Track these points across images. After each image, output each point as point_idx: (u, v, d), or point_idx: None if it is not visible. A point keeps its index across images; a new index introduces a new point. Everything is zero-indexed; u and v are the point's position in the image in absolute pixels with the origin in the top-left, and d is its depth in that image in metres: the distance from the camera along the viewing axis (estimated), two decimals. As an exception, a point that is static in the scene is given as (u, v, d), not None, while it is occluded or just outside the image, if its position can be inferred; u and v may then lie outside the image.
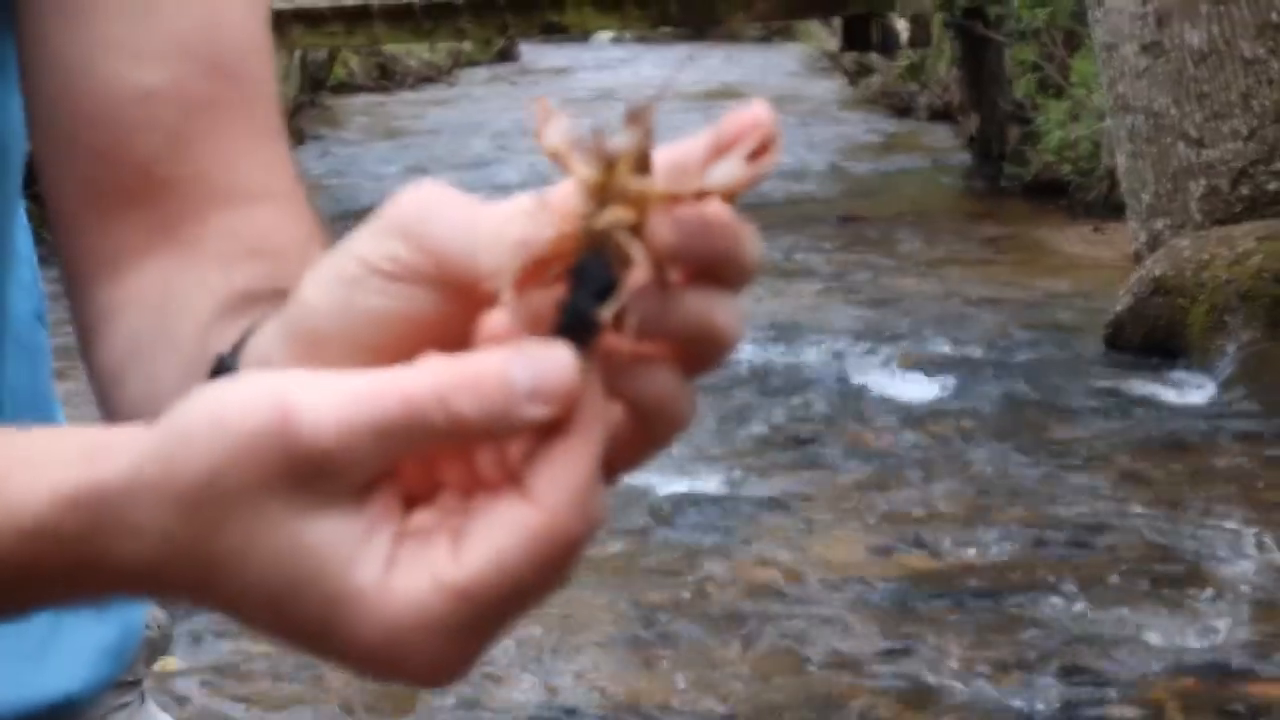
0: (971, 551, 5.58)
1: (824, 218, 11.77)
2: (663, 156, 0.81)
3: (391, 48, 20.13)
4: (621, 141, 0.78)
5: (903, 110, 17.31)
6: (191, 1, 1.17)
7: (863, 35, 18.14)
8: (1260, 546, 5.49)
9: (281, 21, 15.00)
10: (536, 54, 24.36)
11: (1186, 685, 4.57)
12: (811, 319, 8.75)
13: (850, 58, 19.33)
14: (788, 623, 5.06)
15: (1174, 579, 5.26)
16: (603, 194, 0.78)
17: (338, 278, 0.84)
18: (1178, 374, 7.43)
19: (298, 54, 17.08)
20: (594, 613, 5.12)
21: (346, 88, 20.50)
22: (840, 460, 6.57)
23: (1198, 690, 4.55)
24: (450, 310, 0.82)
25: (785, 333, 8.33)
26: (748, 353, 7.86)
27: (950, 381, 7.58)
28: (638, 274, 0.78)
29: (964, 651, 4.80)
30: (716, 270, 0.81)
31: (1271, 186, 7.79)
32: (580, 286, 0.78)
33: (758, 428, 6.92)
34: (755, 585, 5.34)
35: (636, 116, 0.79)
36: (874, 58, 18.90)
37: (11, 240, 1.32)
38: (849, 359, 7.92)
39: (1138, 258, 8.13)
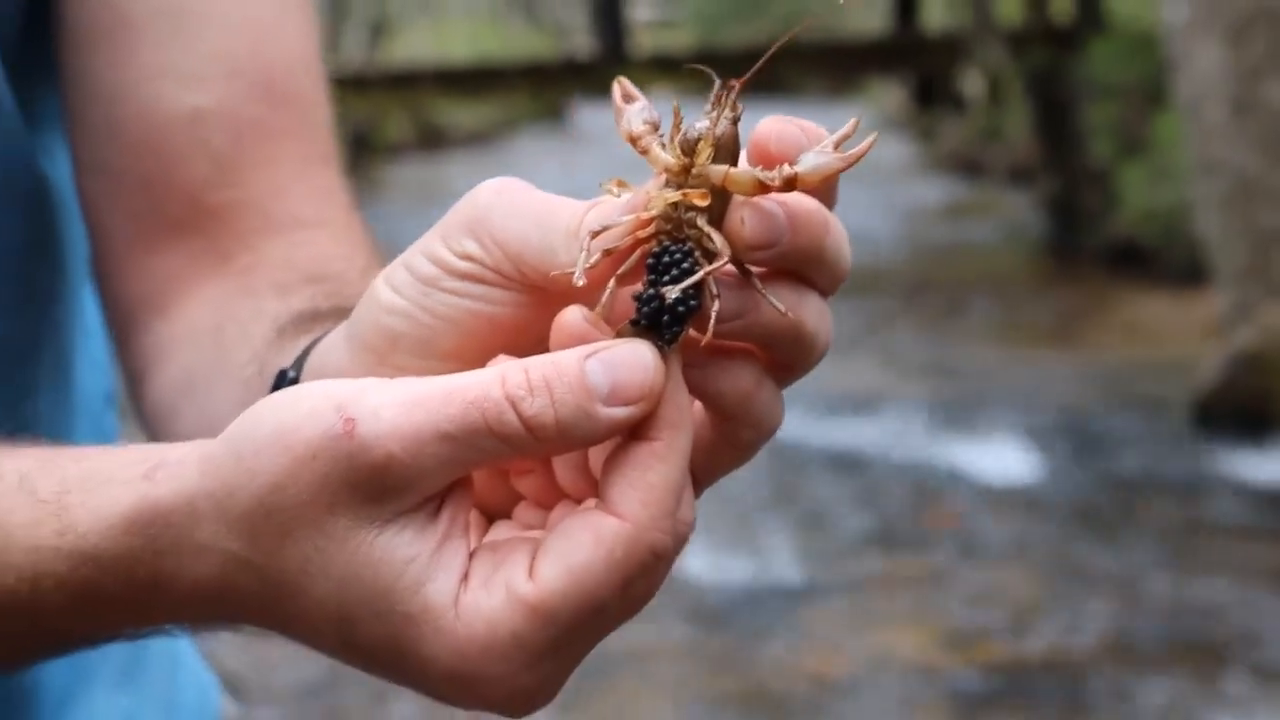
0: (1051, 640, 5.56)
1: (894, 286, 11.78)
2: (751, 143, 0.79)
3: (440, 110, 20.30)
4: (703, 126, 0.77)
5: (975, 171, 17.34)
6: (239, 23, 1.16)
7: (934, 93, 18.21)
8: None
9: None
10: (590, 116, 24.51)
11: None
12: (879, 392, 8.75)
13: (920, 117, 19.39)
14: (857, 715, 5.02)
15: (1271, 670, 5.23)
16: (683, 179, 0.77)
17: (411, 277, 0.84)
18: (1268, 449, 7.42)
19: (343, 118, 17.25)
20: (654, 703, 5.10)
21: (393, 150, 20.66)
22: (912, 543, 6.55)
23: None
24: (529, 310, 0.82)
25: (851, 407, 8.33)
26: (812, 428, 7.86)
27: (1027, 459, 7.59)
28: (717, 263, 0.76)
29: (1045, 746, 4.77)
30: (803, 266, 0.80)
31: (1369, 249, 7.78)
32: (659, 276, 0.77)
33: (824, 509, 6.91)
34: (822, 675, 5.31)
35: (721, 99, 0.78)
36: (944, 117, 18.95)
37: (81, 308, 1.32)
38: (919, 435, 7.91)
39: (1225, 327, 8.11)
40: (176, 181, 1.15)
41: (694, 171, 0.78)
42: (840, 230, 0.80)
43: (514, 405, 0.76)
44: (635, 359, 0.77)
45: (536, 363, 0.77)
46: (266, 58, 1.18)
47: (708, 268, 0.76)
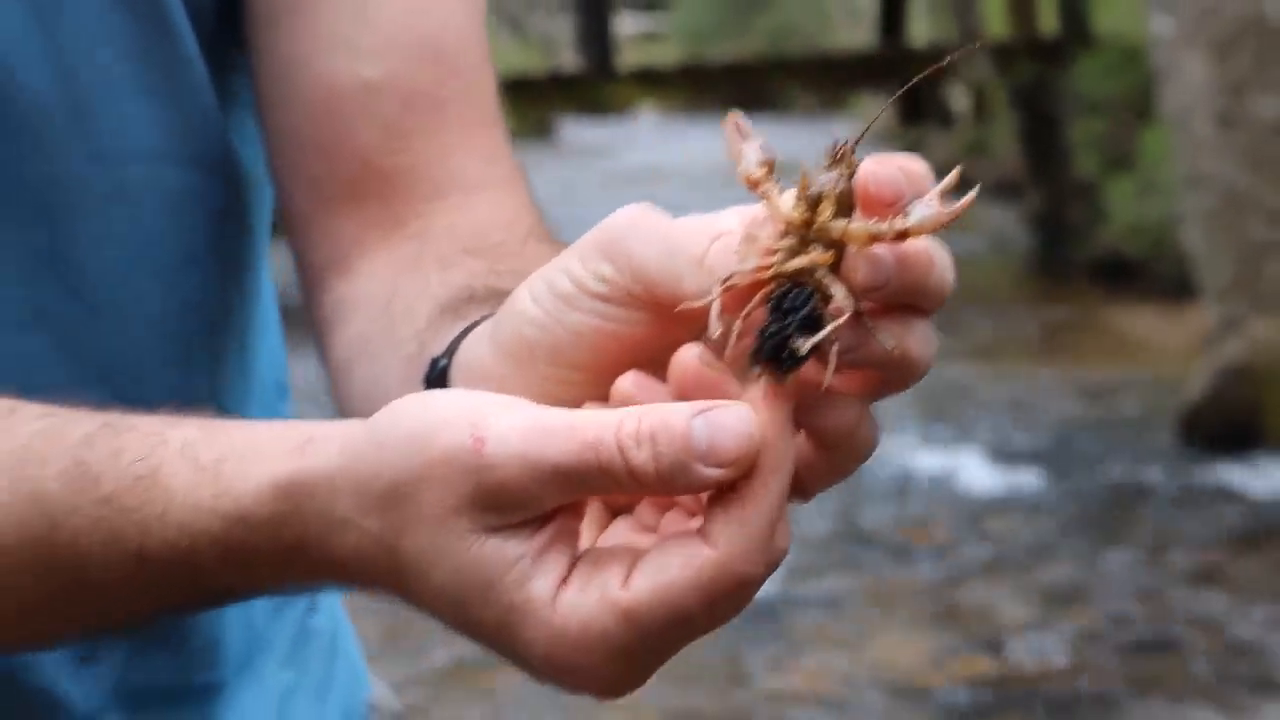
0: (1041, 654, 5.58)
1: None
2: (863, 189, 0.87)
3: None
4: (826, 183, 0.86)
5: (961, 185, 17.34)
6: None
7: (920, 107, 18.22)
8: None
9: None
10: (576, 130, 24.52)
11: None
12: (867, 407, 8.77)
13: (907, 131, 19.43)
14: (845, 733, 5.03)
15: (1257, 681, 5.28)
16: (804, 231, 0.86)
17: (550, 293, 0.96)
18: (1257, 463, 7.46)
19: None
20: (638, 721, 5.09)
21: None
22: (899, 559, 6.56)
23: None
24: (656, 329, 0.92)
25: (840, 422, 8.34)
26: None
27: (1015, 474, 7.61)
28: (840, 310, 0.85)
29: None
30: (909, 299, 0.88)
31: (1356, 262, 7.83)
32: (780, 318, 0.85)
33: (810, 524, 6.91)
34: (808, 693, 5.31)
35: (839, 157, 0.87)
36: (931, 131, 19.00)
37: (263, 292, 1.43)
38: (907, 451, 7.93)
39: (1211, 341, 8.15)
40: (350, 147, 1.29)
41: (815, 226, 0.86)
42: (943, 260, 0.89)
43: (623, 452, 0.85)
44: (738, 425, 0.85)
45: (649, 414, 0.86)
46: (433, 28, 1.30)
47: (834, 324, 0.85)
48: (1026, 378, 9.48)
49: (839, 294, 0.86)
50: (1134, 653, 5.55)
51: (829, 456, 0.91)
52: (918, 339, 0.89)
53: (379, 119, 1.28)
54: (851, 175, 0.87)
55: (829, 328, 0.85)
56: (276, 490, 0.93)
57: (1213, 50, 7.93)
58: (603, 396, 0.95)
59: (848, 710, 5.17)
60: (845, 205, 0.87)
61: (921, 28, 22.67)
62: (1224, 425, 7.74)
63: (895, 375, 0.91)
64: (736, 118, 0.90)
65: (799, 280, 0.86)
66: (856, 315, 0.86)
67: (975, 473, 7.58)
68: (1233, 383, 7.80)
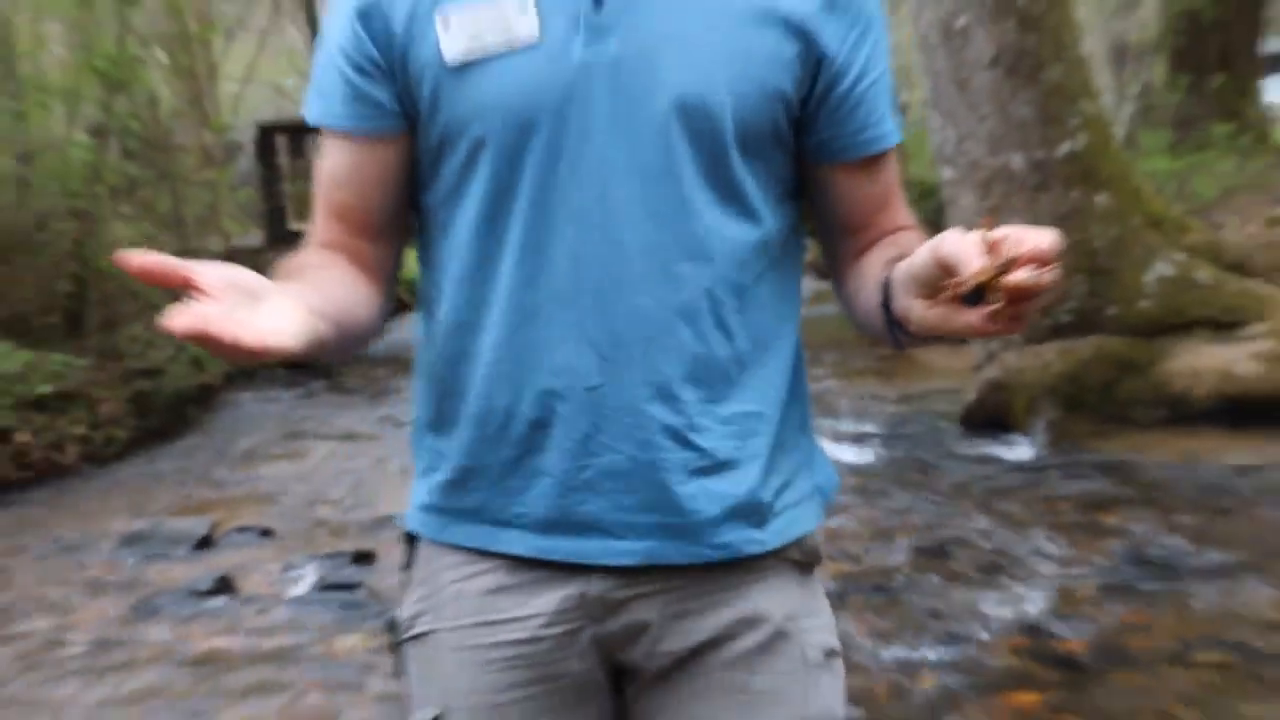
0: (878, 559, 5.49)
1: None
2: (1013, 247, 1.22)
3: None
4: (994, 262, 1.23)
5: (825, 274, 16.80)
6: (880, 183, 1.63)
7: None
8: (1058, 550, 5.41)
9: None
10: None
11: (1014, 641, 4.48)
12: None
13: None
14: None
15: (1006, 572, 5.23)
16: (991, 272, 1.24)
17: (914, 261, 1.30)
18: (1009, 441, 7.33)
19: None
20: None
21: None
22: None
23: (1021, 644, 4.45)
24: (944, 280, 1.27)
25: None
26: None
27: (860, 449, 7.48)
28: (994, 296, 1.24)
29: (873, 624, 4.72)
30: (1019, 297, 1.23)
31: (1065, 319, 7.43)
32: (972, 292, 1.26)
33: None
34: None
35: (995, 247, 1.23)
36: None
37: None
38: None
39: (979, 367, 7.94)
40: (864, 218, 1.60)
41: (990, 276, 1.22)
42: (1038, 285, 1.21)
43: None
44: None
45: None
46: (891, 174, 1.62)
47: (994, 305, 1.25)
48: (866, 389, 9.06)
49: (994, 295, 1.23)
50: (933, 555, 5.47)
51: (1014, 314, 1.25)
52: (1025, 309, 1.24)
53: (876, 204, 1.60)
54: (1002, 257, 1.22)
55: (991, 302, 1.24)
56: None
57: (977, 189, 7.56)
58: (932, 297, 1.29)
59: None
60: (1005, 268, 1.22)
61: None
62: (988, 418, 7.51)
63: (1014, 315, 1.24)
64: (991, 221, 1.25)
65: (981, 285, 1.23)
66: (999, 296, 1.23)
67: (836, 449, 7.29)
68: (992, 392, 7.55)
